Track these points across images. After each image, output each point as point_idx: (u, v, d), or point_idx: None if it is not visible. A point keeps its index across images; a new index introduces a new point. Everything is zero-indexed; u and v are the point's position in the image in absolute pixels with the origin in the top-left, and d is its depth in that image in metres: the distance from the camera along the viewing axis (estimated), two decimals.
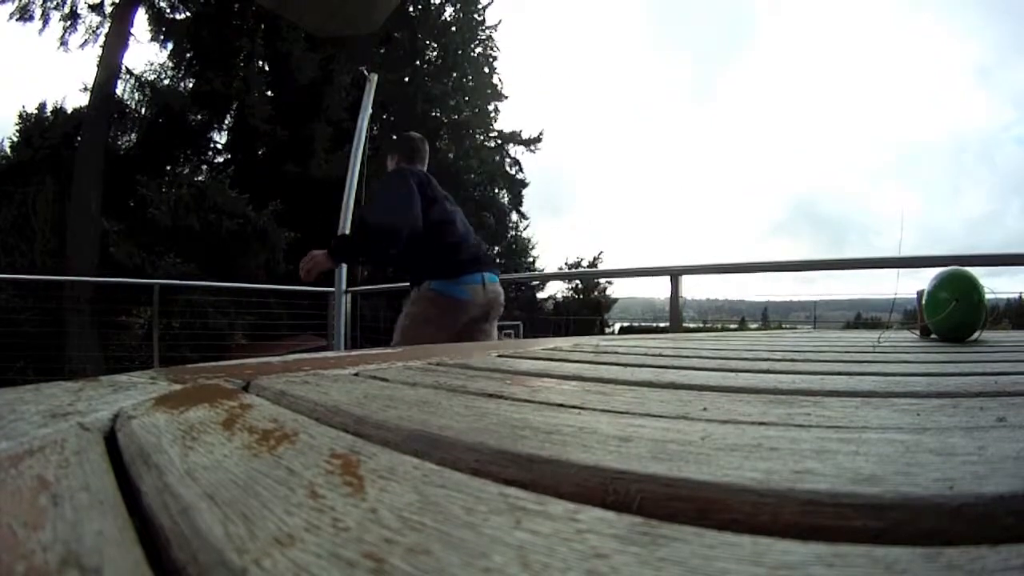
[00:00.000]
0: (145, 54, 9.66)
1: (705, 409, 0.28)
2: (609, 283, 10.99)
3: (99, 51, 8.02)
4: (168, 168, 8.47)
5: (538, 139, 11.20)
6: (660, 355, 0.59)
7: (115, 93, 8.12)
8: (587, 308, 10.86)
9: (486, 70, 11.22)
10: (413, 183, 1.78)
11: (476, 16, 11.05)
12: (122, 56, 8.04)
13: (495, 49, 11.26)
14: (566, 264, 11.13)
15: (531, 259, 11.45)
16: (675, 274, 2.51)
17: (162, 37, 8.62)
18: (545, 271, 11.58)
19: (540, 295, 11.30)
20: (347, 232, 2.81)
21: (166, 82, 8.75)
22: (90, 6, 8.22)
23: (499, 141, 11.37)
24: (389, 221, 1.70)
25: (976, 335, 0.81)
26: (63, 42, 8.25)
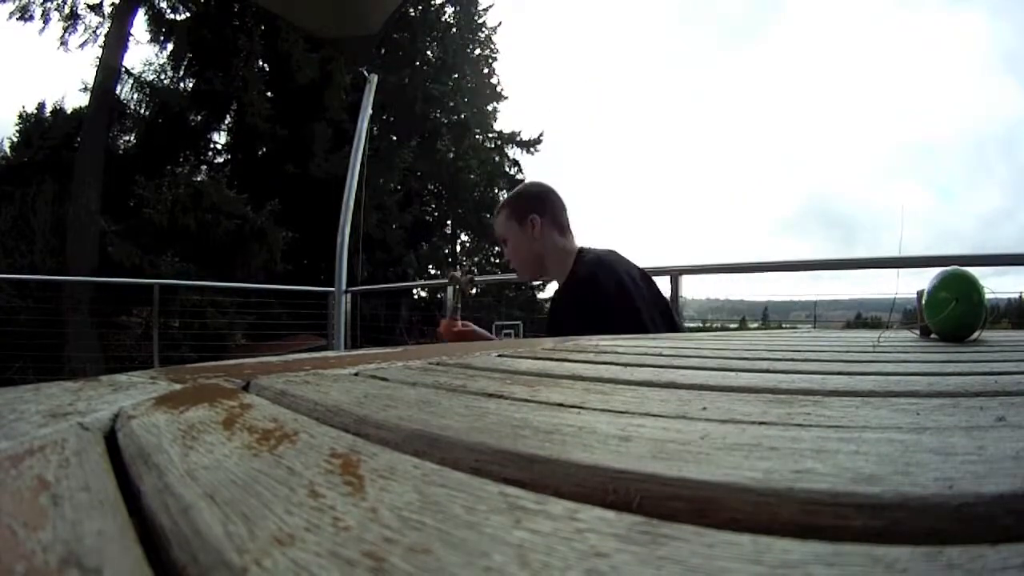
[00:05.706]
0: (145, 54, 9.65)
1: (705, 408, 0.28)
2: None
3: (99, 51, 8.03)
4: (167, 168, 8.47)
5: (538, 140, 11.22)
6: (660, 355, 0.59)
7: (115, 93, 8.13)
8: None
9: (486, 71, 11.24)
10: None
11: (476, 17, 11.08)
12: (122, 56, 8.05)
13: (495, 50, 11.29)
14: None
15: None
16: (675, 274, 2.51)
17: (162, 37, 8.63)
18: None
19: (540, 295, 11.30)
20: None
21: (166, 82, 8.76)
22: (90, 6, 8.23)
23: (499, 142, 11.39)
24: None
25: (976, 335, 0.81)
26: (63, 42, 8.26)
